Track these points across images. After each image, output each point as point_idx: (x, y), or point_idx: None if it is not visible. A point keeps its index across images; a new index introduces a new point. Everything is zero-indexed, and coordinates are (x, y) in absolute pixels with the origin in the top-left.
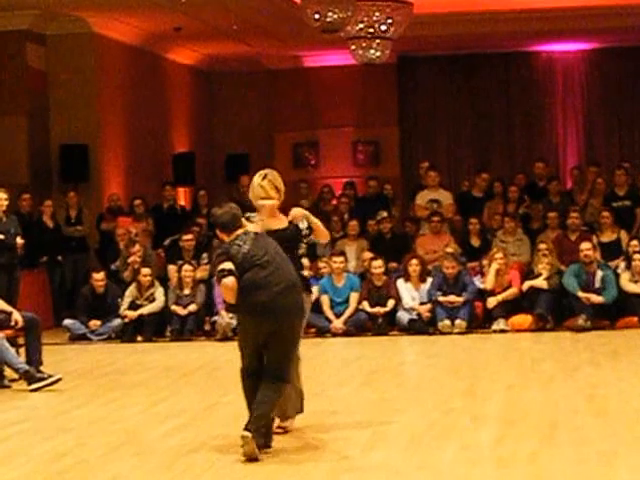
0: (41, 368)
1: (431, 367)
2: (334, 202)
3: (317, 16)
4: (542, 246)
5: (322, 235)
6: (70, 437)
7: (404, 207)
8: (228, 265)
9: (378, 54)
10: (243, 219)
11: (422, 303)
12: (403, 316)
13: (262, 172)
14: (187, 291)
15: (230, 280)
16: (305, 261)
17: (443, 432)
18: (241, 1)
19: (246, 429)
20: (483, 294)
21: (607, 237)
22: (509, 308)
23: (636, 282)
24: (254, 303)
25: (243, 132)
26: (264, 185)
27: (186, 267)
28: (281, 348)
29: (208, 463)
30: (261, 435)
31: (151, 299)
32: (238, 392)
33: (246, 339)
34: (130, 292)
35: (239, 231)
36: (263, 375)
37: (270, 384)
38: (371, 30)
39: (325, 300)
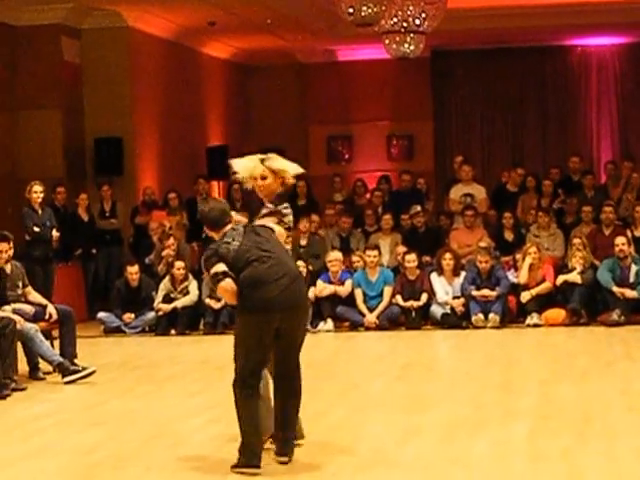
0: (75, 361)
1: (464, 361)
2: (368, 196)
3: (351, 10)
4: (576, 240)
5: None
6: (104, 430)
7: (438, 201)
8: (221, 267)
9: (412, 48)
10: (233, 212)
11: (455, 297)
12: (436, 310)
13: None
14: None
15: (227, 283)
16: None
17: (476, 426)
18: None
19: (281, 454)
20: (517, 288)
21: None
22: (543, 302)
23: None
24: (260, 299)
25: (277, 126)
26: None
27: None
28: (294, 345)
29: None
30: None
31: (185, 292)
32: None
33: (251, 341)
34: (164, 285)
35: (227, 227)
36: (279, 381)
37: (292, 390)
38: (405, 24)
39: (358, 294)
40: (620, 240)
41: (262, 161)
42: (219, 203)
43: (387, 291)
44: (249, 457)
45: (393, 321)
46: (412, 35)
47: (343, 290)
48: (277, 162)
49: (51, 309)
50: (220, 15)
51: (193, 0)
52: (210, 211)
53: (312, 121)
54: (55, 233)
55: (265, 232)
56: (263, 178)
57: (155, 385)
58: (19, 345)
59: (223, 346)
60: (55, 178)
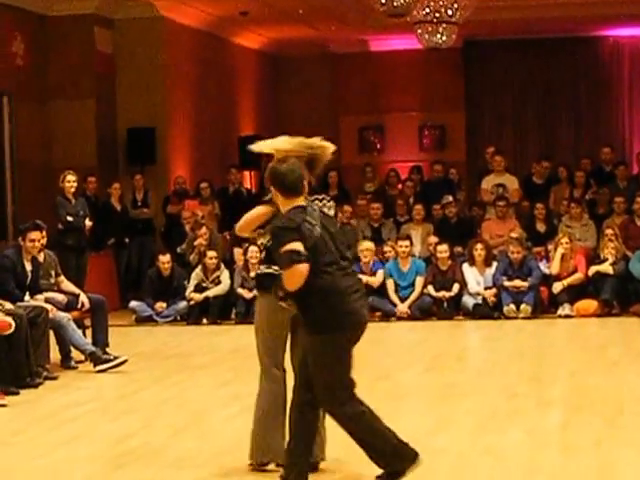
0: (107, 350)
1: (496, 352)
2: (399, 186)
3: (384, 0)
4: (608, 231)
5: None
6: (135, 418)
7: (469, 191)
8: (300, 246)
9: (444, 38)
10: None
11: (487, 288)
12: (468, 300)
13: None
14: (253, 274)
15: (304, 267)
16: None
17: (508, 417)
18: None
19: None
20: (548, 279)
21: None
22: (574, 293)
23: None
24: (344, 313)
25: (309, 116)
26: None
27: (252, 249)
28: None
29: None
30: None
31: (217, 282)
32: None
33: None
34: (196, 275)
35: (300, 199)
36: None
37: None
38: (437, 14)
39: (390, 284)
40: None
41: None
42: (297, 166)
43: (419, 281)
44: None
45: (425, 311)
46: (444, 25)
47: (374, 280)
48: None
49: (83, 298)
50: (252, 5)
51: None
52: (289, 172)
53: (344, 111)
54: (88, 222)
55: (334, 225)
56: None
57: (186, 374)
58: (51, 334)
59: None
60: (88, 167)
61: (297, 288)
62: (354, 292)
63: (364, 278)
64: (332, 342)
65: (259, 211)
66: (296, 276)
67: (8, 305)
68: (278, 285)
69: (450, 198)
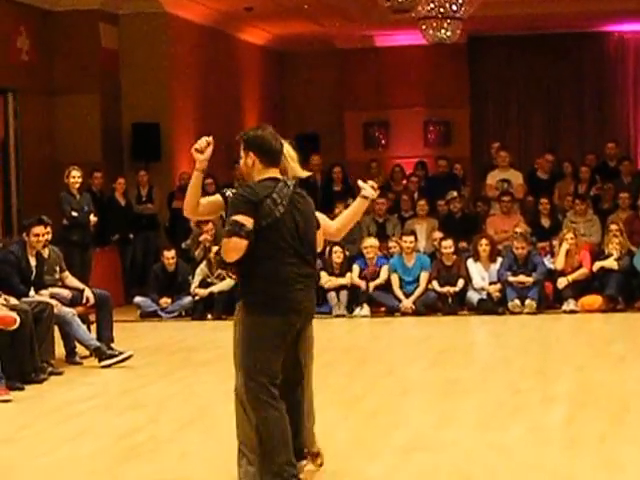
0: (112, 345)
1: (501, 347)
2: (404, 182)
3: None
4: (613, 227)
5: None
6: (140, 414)
7: (474, 187)
8: (248, 222)
9: (449, 34)
10: None
11: (492, 283)
12: (473, 296)
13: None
14: None
15: (242, 242)
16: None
17: (512, 412)
18: None
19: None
20: (553, 274)
21: None
22: (579, 289)
23: None
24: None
25: (314, 112)
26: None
27: None
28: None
29: None
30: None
31: (222, 277)
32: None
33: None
34: (201, 270)
35: (273, 172)
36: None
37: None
38: (442, 10)
39: (395, 279)
40: None
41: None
42: (277, 137)
43: (423, 277)
44: None
45: (429, 306)
46: (449, 21)
47: (380, 280)
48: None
49: (88, 293)
50: (257, 1)
51: None
52: (272, 138)
53: (349, 107)
54: (93, 218)
55: (307, 206)
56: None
57: (191, 369)
58: (56, 329)
59: None
60: (92, 163)
61: (232, 260)
62: (297, 282)
63: (337, 281)
64: (262, 325)
65: (197, 186)
66: (230, 248)
67: (13, 300)
68: (218, 250)
69: (455, 194)
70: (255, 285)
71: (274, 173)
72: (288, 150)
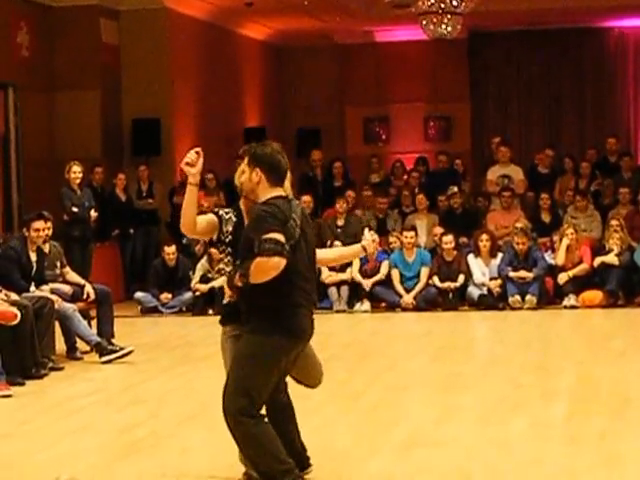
0: (112, 340)
1: (501, 343)
2: (405, 177)
3: None
4: (613, 222)
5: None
6: (141, 409)
7: (475, 182)
8: (283, 238)
9: (449, 29)
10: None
11: (492, 278)
12: (473, 291)
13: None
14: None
15: (282, 262)
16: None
17: (513, 407)
18: None
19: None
20: (554, 270)
21: None
22: (580, 284)
23: None
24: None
25: (314, 107)
26: None
27: None
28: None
29: None
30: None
31: (222, 273)
32: None
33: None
34: (201, 265)
35: (280, 190)
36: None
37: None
38: (442, 5)
39: (395, 275)
40: None
41: None
42: (280, 151)
43: (424, 272)
44: None
45: (430, 302)
46: (449, 16)
47: (380, 275)
48: None
49: (89, 289)
50: None
51: None
52: (278, 155)
53: (349, 102)
54: (93, 213)
55: (312, 230)
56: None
57: (192, 365)
58: (56, 325)
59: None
60: (93, 158)
61: (261, 281)
62: (306, 307)
63: (338, 276)
64: (270, 346)
65: (192, 201)
66: (271, 268)
67: (14, 296)
68: (240, 272)
69: (455, 189)
70: (266, 306)
71: (281, 192)
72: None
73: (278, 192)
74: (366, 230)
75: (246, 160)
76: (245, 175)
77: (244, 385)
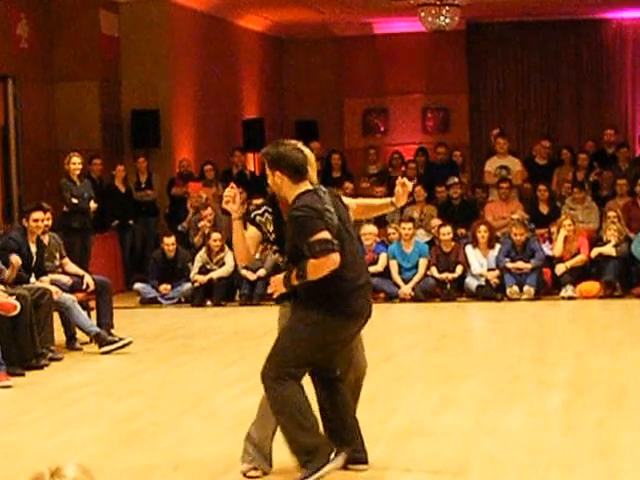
0: (112, 331)
1: (499, 333)
2: (403, 168)
3: None
4: (611, 213)
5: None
6: (140, 399)
7: (473, 174)
8: (330, 235)
9: (447, 21)
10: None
11: (490, 269)
12: (471, 282)
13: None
14: (257, 256)
15: (338, 257)
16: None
17: (511, 398)
18: None
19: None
20: (551, 261)
21: None
22: (577, 275)
23: None
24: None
25: (312, 99)
26: None
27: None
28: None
29: None
30: None
31: (221, 264)
32: None
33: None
34: (200, 257)
35: (305, 184)
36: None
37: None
38: None
39: (394, 266)
40: None
41: None
42: (299, 147)
43: (422, 263)
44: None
45: (428, 293)
46: (447, 8)
47: (378, 267)
48: None
49: (88, 280)
50: None
51: None
52: (296, 152)
53: (347, 94)
54: (93, 204)
55: (344, 211)
56: None
57: (191, 355)
58: (56, 315)
59: (258, 317)
60: (92, 150)
61: (321, 275)
62: (362, 285)
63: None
64: (312, 320)
65: (240, 235)
66: (329, 265)
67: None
68: (298, 272)
69: (456, 179)
70: (318, 292)
71: (306, 185)
72: (309, 155)
73: (304, 187)
74: (399, 179)
75: (266, 165)
76: (270, 179)
77: (280, 354)
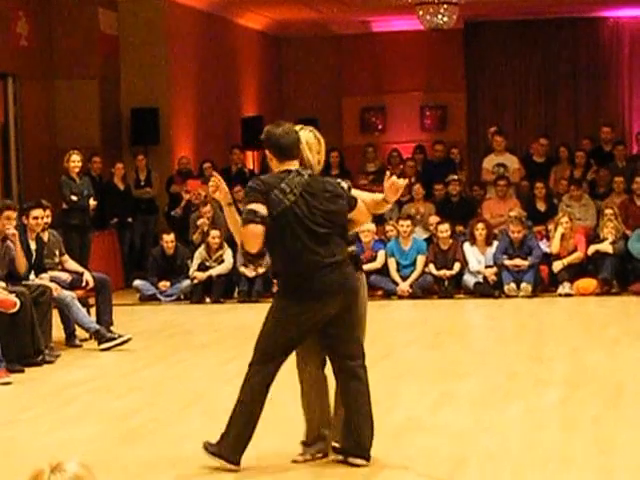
0: (111, 328)
1: (496, 330)
2: (401, 166)
3: None
4: (608, 211)
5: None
6: (140, 396)
7: (470, 171)
8: (262, 210)
9: (445, 19)
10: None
11: (488, 266)
12: (469, 279)
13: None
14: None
15: (258, 228)
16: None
17: (508, 395)
18: None
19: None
20: (549, 258)
21: None
22: (574, 272)
23: None
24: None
25: (311, 97)
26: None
27: None
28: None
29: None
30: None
31: (220, 261)
32: None
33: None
34: (199, 254)
35: (292, 164)
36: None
37: None
38: None
39: (392, 263)
40: None
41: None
42: (293, 131)
43: (420, 260)
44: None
45: (426, 290)
46: (445, 6)
47: (376, 264)
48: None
49: (88, 277)
50: None
51: None
52: (285, 134)
53: (346, 92)
54: (92, 202)
55: (325, 190)
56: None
57: (190, 352)
58: (55, 312)
59: (257, 314)
60: (91, 147)
61: (254, 249)
62: (320, 268)
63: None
64: (279, 308)
65: (235, 219)
66: (248, 236)
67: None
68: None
69: (455, 177)
70: (282, 272)
71: (289, 165)
72: (308, 139)
73: (286, 166)
74: (387, 175)
75: None
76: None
77: (259, 342)
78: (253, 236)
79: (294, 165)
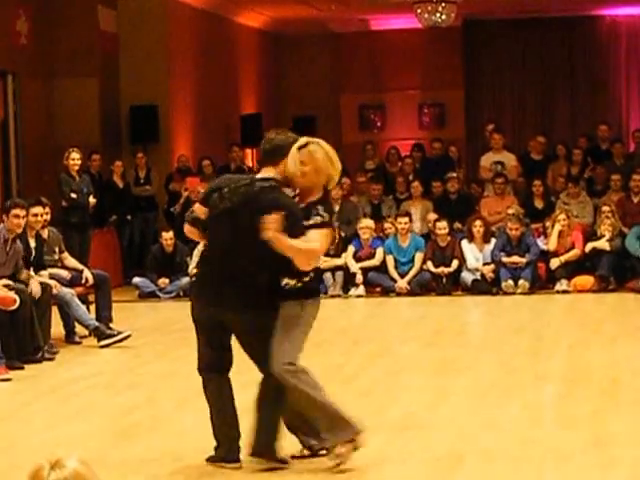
0: (111, 325)
1: (494, 327)
2: (399, 164)
3: None
4: (605, 208)
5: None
6: (139, 392)
7: (468, 169)
8: (199, 210)
9: (443, 18)
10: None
11: (486, 264)
12: (467, 276)
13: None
14: None
15: (187, 229)
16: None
17: (506, 391)
18: None
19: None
20: (546, 255)
21: None
22: (572, 269)
23: None
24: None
25: (310, 95)
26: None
27: None
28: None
29: None
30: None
31: None
32: (307, 346)
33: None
34: (198, 251)
35: (265, 170)
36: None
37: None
38: None
39: (390, 260)
40: None
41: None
42: (285, 137)
43: (418, 257)
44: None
45: (424, 287)
46: (443, 4)
47: (374, 261)
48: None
49: (87, 274)
50: None
51: None
52: (269, 140)
53: (344, 90)
54: (92, 199)
55: (261, 206)
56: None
57: (189, 349)
58: (55, 309)
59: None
60: (91, 145)
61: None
62: (210, 275)
63: (333, 262)
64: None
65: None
66: (186, 232)
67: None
68: None
69: (454, 174)
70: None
71: (265, 172)
72: (292, 151)
73: (262, 172)
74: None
75: None
76: None
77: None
78: (187, 233)
79: (270, 172)
